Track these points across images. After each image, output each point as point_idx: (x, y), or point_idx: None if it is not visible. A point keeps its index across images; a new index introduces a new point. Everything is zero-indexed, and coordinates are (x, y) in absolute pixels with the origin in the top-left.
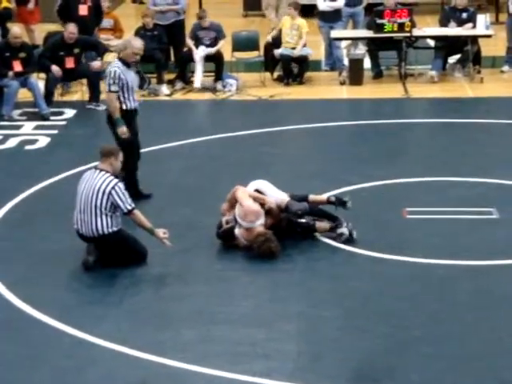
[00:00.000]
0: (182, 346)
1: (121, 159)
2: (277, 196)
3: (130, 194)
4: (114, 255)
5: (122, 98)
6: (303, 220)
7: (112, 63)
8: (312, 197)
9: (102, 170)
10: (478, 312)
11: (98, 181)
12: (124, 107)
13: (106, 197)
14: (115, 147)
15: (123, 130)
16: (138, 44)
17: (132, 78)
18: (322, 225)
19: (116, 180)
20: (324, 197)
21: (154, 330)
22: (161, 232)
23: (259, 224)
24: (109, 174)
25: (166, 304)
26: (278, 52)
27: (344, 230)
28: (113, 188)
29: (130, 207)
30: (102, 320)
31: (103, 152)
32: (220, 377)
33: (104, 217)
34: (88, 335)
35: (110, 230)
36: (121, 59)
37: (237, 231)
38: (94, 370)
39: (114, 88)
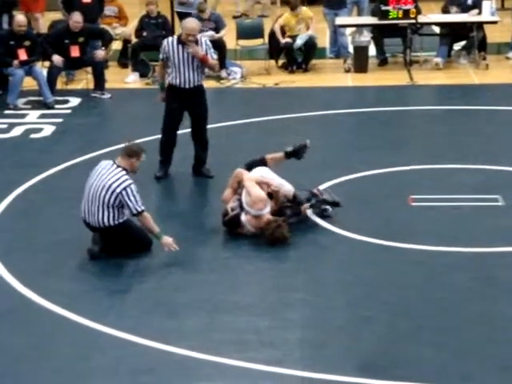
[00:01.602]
0: (187, 334)
1: (144, 159)
2: (281, 184)
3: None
4: (119, 245)
5: (169, 71)
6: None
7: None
8: (269, 156)
9: (119, 166)
10: (482, 299)
11: (111, 177)
12: (169, 80)
13: (114, 195)
14: (141, 148)
15: (160, 95)
16: (189, 24)
17: (182, 56)
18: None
19: (129, 181)
20: (281, 153)
21: (160, 318)
22: (169, 239)
23: (267, 211)
24: (124, 173)
25: (172, 292)
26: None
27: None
28: (124, 189)
29: (139, 209)
30: (108, 309)
31: (128, 151)
32: (225, 364)
33: (111, 209)
34: (94, 323)
35: (116, 222)
36: (179, 37)
37: (243, 218)
38: (101, 358)
39: (160, 56)
